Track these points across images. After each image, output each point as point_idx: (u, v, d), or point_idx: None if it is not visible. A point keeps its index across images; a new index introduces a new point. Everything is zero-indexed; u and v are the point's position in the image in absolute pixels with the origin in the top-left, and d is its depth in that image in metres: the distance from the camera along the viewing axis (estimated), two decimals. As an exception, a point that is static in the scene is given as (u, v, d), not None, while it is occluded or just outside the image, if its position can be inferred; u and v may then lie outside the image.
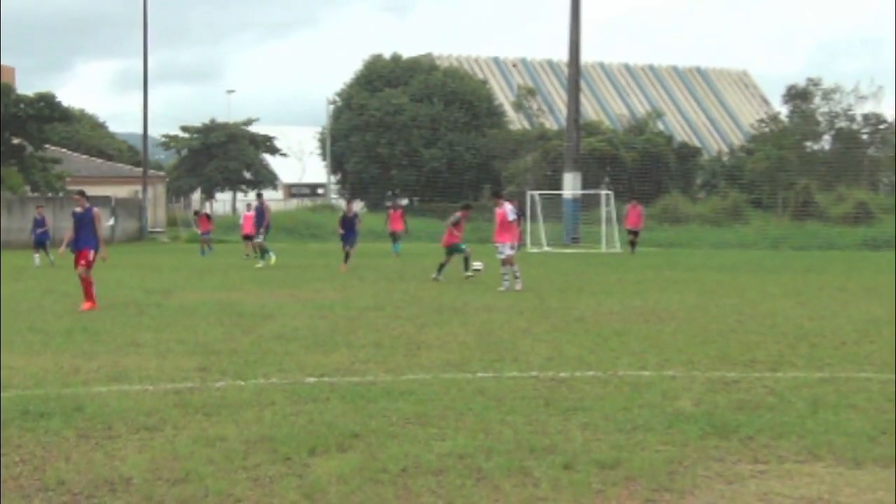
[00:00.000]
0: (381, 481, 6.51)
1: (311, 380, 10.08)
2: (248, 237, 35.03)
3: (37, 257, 30.97)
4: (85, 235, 17.80)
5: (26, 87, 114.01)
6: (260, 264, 28.91)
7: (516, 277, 20.65)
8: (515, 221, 21.66)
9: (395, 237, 36.47)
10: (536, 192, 46.87)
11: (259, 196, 32.67)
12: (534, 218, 45.46)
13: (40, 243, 31.55)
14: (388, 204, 48.97)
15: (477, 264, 23.39)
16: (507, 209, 21.30)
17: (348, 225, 28.49)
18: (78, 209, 18.22)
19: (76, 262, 17.70)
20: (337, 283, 22.35)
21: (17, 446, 7.44)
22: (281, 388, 9.56)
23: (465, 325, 14.70)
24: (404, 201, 67.03)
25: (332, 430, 7.77)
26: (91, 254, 17.60)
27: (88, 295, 17.15)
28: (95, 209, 18.20)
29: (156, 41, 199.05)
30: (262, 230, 30.17)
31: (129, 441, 7.60)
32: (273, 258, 29.22)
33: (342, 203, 66.86)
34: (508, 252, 20.86)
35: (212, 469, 6.78)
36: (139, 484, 6.47)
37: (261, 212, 30.61)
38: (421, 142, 62.76)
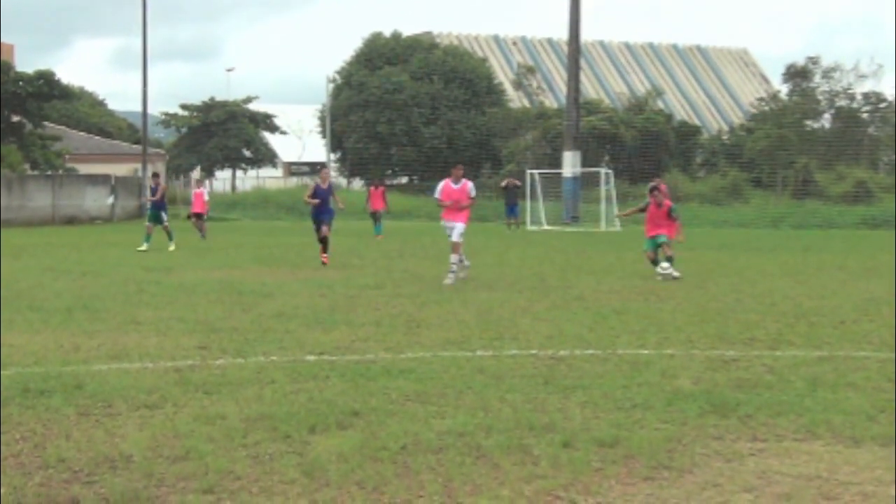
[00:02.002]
0: (380, 459, 6.52)
1: (311, 358, 10.09)
2: (197, 216, 33.72)
3: None
4: None
5: (26, 64, 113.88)
6: (143, 247, 26.63)
7: (457, 267, 18.00)
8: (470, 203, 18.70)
9: (375, 217, 34.74)
10: (536, 171, 46.85)
11: (155, 176, 30.56)
12: (533, 196, 45.48)
13: None
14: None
15: (665, 266, 18.60)
16: (471, 185, 18.61)
17: (324, 200, 22.27)
18: None
19: None
20: (337, 262, 22.33)
21: (17, 424, 7.45)
22: (281, 366, 9.57)
23: (464, 303, 14.71)
24: (403, 179, 66.99)
25: (332, 408, 7.78)
26: None
27: None
28: None
29: (155, 19, 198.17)
30: (163, 213, 27.99)
31: (129, 419, 7.62)
32: (145, 246, 26.79)
33: (342, 182, 66.81)
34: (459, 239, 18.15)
35: (212, 447, 6.79)
36: (139, 461, 6.49)
37: (155, 192, 28.44)
38: (421, 120, 62.64)
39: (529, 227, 42.25)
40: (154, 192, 28.59)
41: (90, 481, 6.15)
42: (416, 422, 7.44)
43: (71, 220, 47.01)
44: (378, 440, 6.92)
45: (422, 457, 6.57)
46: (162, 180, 31.11)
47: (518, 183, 42.48)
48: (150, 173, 35.71)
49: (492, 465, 6.43)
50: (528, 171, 46.76)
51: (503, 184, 42.36)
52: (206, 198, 34.68)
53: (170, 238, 27.77)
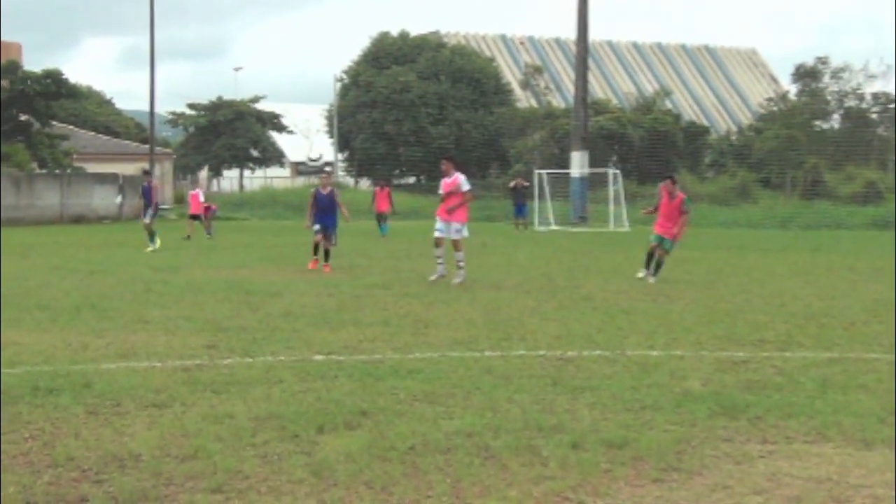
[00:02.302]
0: (388, 459, 6.51)
1: (319, 357, 10.08)
2: (193, 217, 34.01)
3: None
4: None
5: (33, 63, 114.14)
6: (150, 248, 26.35)
7: (460, 267, 17.75)
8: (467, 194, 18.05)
9: (380, 218, 34.46)
10: (544, 171, 46.83)
11: (146, 174, 29.92)
12: (541, 196, 45.45)
13: None
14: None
15: (642, 274, 18.35)
16: (462, 179, 18.04)
17: (325, 206, 20.74)
18: None
19: None
20: (344, 262, 22.31)
21: (26, 423, 7.46)
22: (289, 366, 9.56)
23: (472, 303, 14.69)
24: (410, 179, 66.98)
25: (340, 408, 7.77)
26: None
27: None
28: None
29: (162, 17, 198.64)
30: (150, 211, 27.28)
31: (137, 418, 7.61)
32: (157, 243, 26.74)
33: (349, 181, 66.80)
34: (460, 235, 17.95)
35: (220, 446, 6.79)
36: (148, 460, 6.48)
37: (147, 192, 27.77)
38: (428, 119, 62.64)
39: (538, 228, 42.20)
40: (146, 192, 27.90)
41: (99, 480, 6.15)
42: (425, 422, 7.43)
43: (79, 220, 47.09)
44: (386, 440, 6.91)
45: (430, 457, 6.56)
46: (154, 178, 30.49)
47: (526, 183, 42.46)
48: (149, 173, 35.24)
49: (500, 465, 6.41)
50: (536, 171, 46.73)
51: (512, 184, 42.35)
52: (202, 199, 34.78)
53: (151, 239, 27.29)
